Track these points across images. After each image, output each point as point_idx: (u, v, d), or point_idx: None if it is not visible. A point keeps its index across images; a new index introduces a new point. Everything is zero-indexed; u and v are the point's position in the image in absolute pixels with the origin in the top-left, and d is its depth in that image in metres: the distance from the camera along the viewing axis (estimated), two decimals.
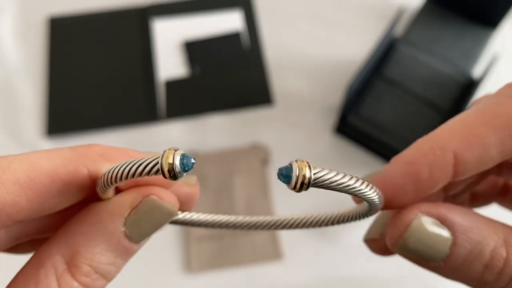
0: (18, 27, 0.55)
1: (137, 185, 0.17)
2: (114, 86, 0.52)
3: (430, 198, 0.20)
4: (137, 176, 0.14)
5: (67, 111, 0.50)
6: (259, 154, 0.48)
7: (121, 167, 0.14)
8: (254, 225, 0.20)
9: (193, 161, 0.13)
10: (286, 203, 0.46)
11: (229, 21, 0.55)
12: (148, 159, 0.14)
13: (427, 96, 0.46)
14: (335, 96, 0.50)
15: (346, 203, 0.20)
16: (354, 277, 0.43)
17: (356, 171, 0.21)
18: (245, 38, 0.54)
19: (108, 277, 0.16)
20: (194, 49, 0.54)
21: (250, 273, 0.43)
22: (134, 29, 0.55)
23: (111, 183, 0.15)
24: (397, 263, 0.44)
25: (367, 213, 0.18)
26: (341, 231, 0.45)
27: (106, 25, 0.55)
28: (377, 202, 0.16)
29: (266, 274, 0.43)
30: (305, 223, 0.20)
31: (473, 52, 0.49)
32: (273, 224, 0.20)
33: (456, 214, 0.17)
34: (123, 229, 0.16)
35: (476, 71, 0.48)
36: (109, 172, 0.15)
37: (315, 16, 0.55)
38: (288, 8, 0.56)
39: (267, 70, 0.52)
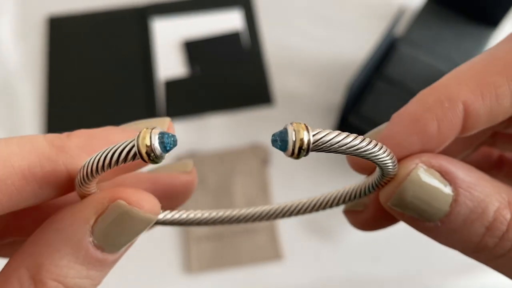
0: (17, 27, 0.55)
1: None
2: (114, 85, 0.52)
3: None
4: (114, 166, 0.12)
5: (66, 111, 0.50)
6: (259, 154, 0.48)
7: (95, 158, 0.12)
8: (249, 217, 0.18)
9: (173, 138, 0.12)
10: None
11: (229, 21, 0.55)
12: (123, 143, 0.12)
13: None
14: (335, 96, 0.50)
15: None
16: (354, 277, 0.43)
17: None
18: (245, 38, 0.54)
19: None
20: (194, 49, 0.53)
21: (250, 273, 0.43)
22: (133, 29, 0.55)
23: (88, 178, 0.13)
24: (397, 263, 0.44)
25: (378, 182, 0.15)
26: (341, 231, 0.45)
27: (106, 24, 0.55)
28: (389, 165, 0.14)
29: (266, 274, 0.43)
30: (306, 208, 0.17)
31: (474, 51, 0.48)
32: (269, 214, 0.18)
33: (459, 169, 0.15)
34: (90, 239, 0.13)
35: None
36: (84, 166, 0.13)
37: (315, 15, 0.55)
38: (288, 7, 0.56)
39: (267, 70, 0.52)
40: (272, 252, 0.44)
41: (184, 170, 0.17)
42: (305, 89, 0.51)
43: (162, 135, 0.12)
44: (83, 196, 0.14)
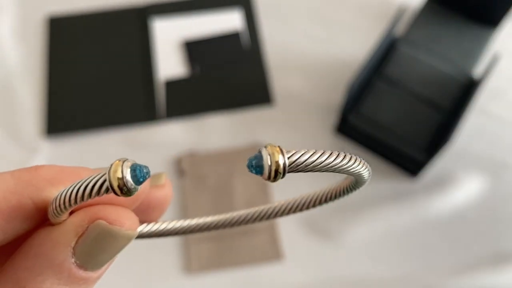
0: (17, 27, 0.55)
1: (89, 205, 0.14)
2: (114, 85, 0.52)
3: None
4: (87, 199, 0.12)
5: (66, 111, 0.50)
6: None
7: (67, 191, 0.12)
8: (235, 221, 0.18)
9: (146, 170, 0.12)
10: None
11: (229, 21, 0.55)
12: (95, 176, 0.12)
13: (428, 95, 0.46)
14: (335, 96, 0.50)
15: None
16: (354, 277, 0.43)
17: None
18: (245, 38, 0.54)
19: None
20: (194, 49, 0.53)
21: (250, 274, 0.43)
22: (133, 29, 0.55)
23: (61, 210, 0.13)
24: (397, 263, 0.44)
25: (354, 186, 0.16)
26: (341, 231, 0.44)
27: (106, 24, 0.55)
28: (365, 175, 0.14)
29: (266, 275, 0.43)
30: (284, 210, 0.18)
31: (474, 51, 0.48)
32: (253, 217, 0.18)
33: None
34: (73, 260, 0.13)
35: (477, 71, 0.48)
36: (56, 198, 0.13)
37: (315, 15, 0.55)
38: (288, 7, 0.56)
39: (267, 70, 0.52)
40: (272, 252, 0.44)
41: (157, 184, 0.17)
42: (305, 89, 0.51)
43: (134, 167, 0.11)
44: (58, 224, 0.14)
